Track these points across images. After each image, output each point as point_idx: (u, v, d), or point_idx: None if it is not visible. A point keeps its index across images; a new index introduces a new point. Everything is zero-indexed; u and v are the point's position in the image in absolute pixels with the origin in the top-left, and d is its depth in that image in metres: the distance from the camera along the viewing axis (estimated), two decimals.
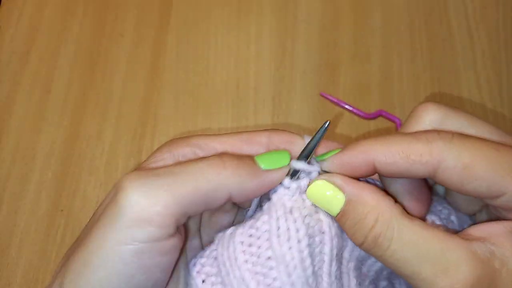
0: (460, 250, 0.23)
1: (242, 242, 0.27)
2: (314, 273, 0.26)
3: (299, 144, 0.28)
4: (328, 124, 0.27)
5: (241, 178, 0.25)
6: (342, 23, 0.57)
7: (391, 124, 0.52)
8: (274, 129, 0.29)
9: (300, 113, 0.53)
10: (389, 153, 0.25)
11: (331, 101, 0.53)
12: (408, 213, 0.25)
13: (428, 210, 0.28)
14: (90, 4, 0.58)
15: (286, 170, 0.27)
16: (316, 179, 0.27)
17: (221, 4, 0.58)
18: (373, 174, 0.26)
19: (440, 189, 0.30)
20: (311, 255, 0.26)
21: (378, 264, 0.30)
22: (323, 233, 0.27)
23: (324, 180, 0.26)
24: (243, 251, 0.27)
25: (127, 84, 0.55)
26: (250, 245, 0.27)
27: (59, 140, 0.52)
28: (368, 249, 0.25)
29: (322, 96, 0.53)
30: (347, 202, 0.25)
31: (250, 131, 0.29)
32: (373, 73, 0.55)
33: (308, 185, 0.27)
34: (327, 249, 0.27)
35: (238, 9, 0.58)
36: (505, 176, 0.23)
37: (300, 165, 0.27)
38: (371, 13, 0.57)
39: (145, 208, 0.24)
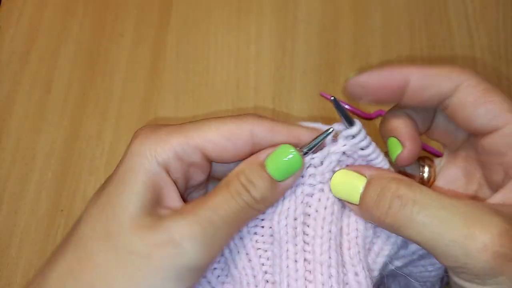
0: (484, 209, 0.24)
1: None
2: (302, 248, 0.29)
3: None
4: (331, 131, 0.29)
5: (263, 199, 0.27)
6: (342, 23, 0.57)
7: None
8: (253, 115, 0.29)
9: (300, 113, 0.53)
10: (423, 72, 0.28)
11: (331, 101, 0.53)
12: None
13: (418, 155, 0.30)
14: (90, 4, 0.58)
15: (301, 173, 0.29)
16: (337, 171, 0.29)
17: (221, 4, 0.58)
18: (399, 99, 0.28)
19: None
20: (304, 231, 0.29)
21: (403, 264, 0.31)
22: (317, 211, 0.29)
23: (344, 169, 0.29)
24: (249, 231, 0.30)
25: (127, 84, 0.55)
26: (255, 226, 0.30)
27: (59, 140, 0.52)
28: (394, 213, 0.25)
29: (322, 96, 0.53)
30: (369, 180, 0.27)
31: (230, 118, 0.28)
32: None
33: (330, 179, 0.29)
34: (318, 226, 0.29)
35: (238, 9, 0.58)
36: (511, 110, 0.26)
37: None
38: (371, 13, 0.57)
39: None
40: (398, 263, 0.32)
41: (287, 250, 0.29)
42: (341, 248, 0.29)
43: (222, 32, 0.57)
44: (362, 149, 0.29)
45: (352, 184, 0.28)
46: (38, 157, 0.52)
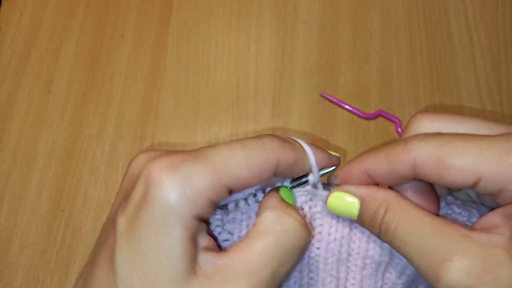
0: (460, 238, 0.24)
1: None
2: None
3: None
4: (332, 170, 0.30)
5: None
6: (341, 24, 0.57)
7: (391, 124, 0.52)
8: (274, 140, 0.27)
9: (300, 113, 0.53)
10: (376, 160, 0.28)
11: (331, 101, 0.53)
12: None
13: (437, 209, 0.29)
14: (91, 5, 0.59)
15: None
16: (331, 192, 0.29)
17: (221, 5, 0.58)
18: (373, 183, 0.29)
19: (469, 193, 0.31)
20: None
21: None
22: (319, 248, 0.30)
23: (338, 191, 0.29)
24: None
25: (127, 84, 0.55)
26: None
27: (59, 140, 0.52)
28: (382, 237, 0.27)
29: (322, 96, 0.54)
30: (362, 202, 0.28)
31: (255, 148, 0.26)
32: (373, 73, 0.55)
33: (326, 200, 0.29)
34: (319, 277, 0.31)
35: (238, 10, 0.58)
36: (476, 161, 0.24)
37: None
38: (371, 14, 0.58)
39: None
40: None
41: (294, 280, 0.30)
42: (355, 269, 0.30)
43: (222, 33, 0.57)
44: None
45: (347, 205, 0.29)
46: (38, 157, 0.52)
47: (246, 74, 0.55)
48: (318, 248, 0.30)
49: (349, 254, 0.30)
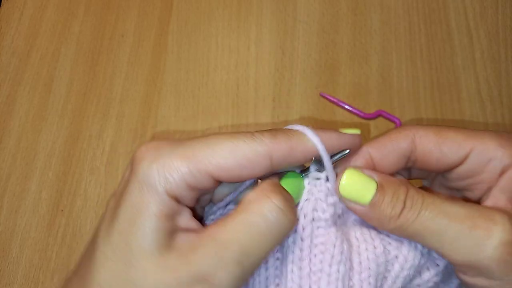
0: (487, 207, 0.26)
1: None
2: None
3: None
4: (347, 153, 0.29)
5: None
6: (341, 24, 0.57)
7: (391, 124, 0.52)
8: (265, 134, 0.27)
9: (300, 113, 0.53)
10: (378, 141, 0.30)
11: (331, 101, 0.53)
12: None
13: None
14: (91, 5, 0.59)
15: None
16: (344, 170, 0.29)
17: (221, 5, 0.59)
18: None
19: None
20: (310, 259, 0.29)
21: None
22: (323, 244, 0.29)
23: (353, 169, 0.29)
24: None
25: (127, 85, 0.55)
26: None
27: (59, 140, 0.53)
28: (407, 211, 0.27)
29: (322, 96, 0.54)
30: (380, 185, 0.28)
31: (243, 139, 0.26)
32: (373, 73, 0.55)
33: (340, 180, 0.29)
34: (325, 263, 0.29)
35: (238, 11, 0.58)
36: (469, 136, 0.28)
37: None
38: (370, 14, 0.58)
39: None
40: None
41: (292, 271, 0.29)
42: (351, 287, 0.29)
43: (222, 33, 0.57)
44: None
45: (364, 186, 0.28)
46: (38, 157, 0.52)
47: (246, 74, 0.55)
48: (321, 262, 0.29)
49: (352, 267, 0.29)
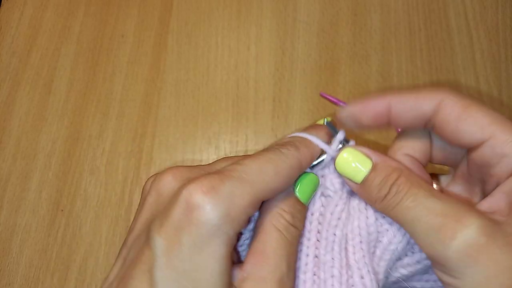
0: (467, 206, 0.26)
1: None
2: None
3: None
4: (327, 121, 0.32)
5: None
6: (341, 24, 0.57)
7: None
8: (292, 146, 0.29)
9: (300, 113, 0.53)
10: (402, 94, 0.29)
11: (331, 101, 0.53)
12: None
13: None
14: (91, 5, 0.59)
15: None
16: (344, 148, 0.31)
17: (222, 5, 0.59)
18: (385, 124, 0.31)
19: None
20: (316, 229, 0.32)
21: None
22: (321, 215, 0.32)
23: (351, 148, 0.30)
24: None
25: (127, 84, 0.55)
26: None
27: (60, 140, 0.53)
28: (390, 199, 0.28)
29: (322, 96, 0.54)
30: (374, 165, 0.29)
31: (277, 157, 0.28)
32: (373, 73, 0.55)
33: (336, 156, 0.31)
34: (323, 229, 0.32)
35: (238, 11, 0.58)
36: (494, 122, 0.27)
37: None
38: (370, 14, 0.58)
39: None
40: (403, 271, 0.33)
41: (301, 243, 0.31)
42: (347, 253, 0.31)
43: (223, 33, 0.57)
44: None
45: (358, 165, 0.30)
46: (38, 157, 0.52)
47: (246, 74, 0.55)
48: (319, 232, 0.31)
49: (346, 239, 0.32)
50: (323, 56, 0.56)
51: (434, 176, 0.34)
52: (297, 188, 0.30)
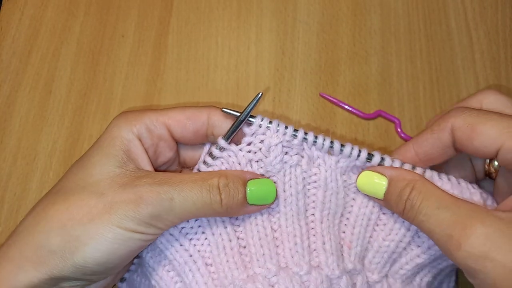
0: (480, 212, 0.27)
1: None
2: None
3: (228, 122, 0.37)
4: (259, 96, 0.38)
5: (228, 209, 0.33)
6: (341, 24, 0.57)
7: (391, 124, 0.52)
8: (212, 106, 0.38)
9: (299, 113, 0.53)
10: (421, 136, 0.33)
11: (331, 101, 0.53)
12: None
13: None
14: (91, 5, 0.59)
15: (268, 207, 0.35)
16: (360, 172, 0.34)
17: (221, 5, 0.59)
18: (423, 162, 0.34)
19: None
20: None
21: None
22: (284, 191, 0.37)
23: (366, 171, 0.34)
24: None
25: (128, 85, 0.55)
26: None
27: (60, 140, 0.53)
28: (406, 213, 0.31)
29: (322, 96, 0.54)
30: (389, 182, 0.32)
31: (192, 106, 0.37)
32: (372, 73, 0.55)
33: (357, 179, 0.35)
34: (280, 204, 0.37)
35: (238, 11, 0.58)
36: (501, 133, 0.29)
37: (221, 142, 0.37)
38: (370, 14, 0.58)
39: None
40: (411, 264, 0.36)
41: (255, 217, 0.35)
42: (314, 222, 0.35)
43: (223, 33, 0.57)
44: (295, 136, 0.37)
45: (375, 185, 0.33)
46: (39, 157, 0.52)
47: (246, 74, 0.55)
48: (278, 206, 0.35)
49: (306, 209, 0.35)
50: (323, 56, 0.56)
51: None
52: (252, 181, 0.34)
